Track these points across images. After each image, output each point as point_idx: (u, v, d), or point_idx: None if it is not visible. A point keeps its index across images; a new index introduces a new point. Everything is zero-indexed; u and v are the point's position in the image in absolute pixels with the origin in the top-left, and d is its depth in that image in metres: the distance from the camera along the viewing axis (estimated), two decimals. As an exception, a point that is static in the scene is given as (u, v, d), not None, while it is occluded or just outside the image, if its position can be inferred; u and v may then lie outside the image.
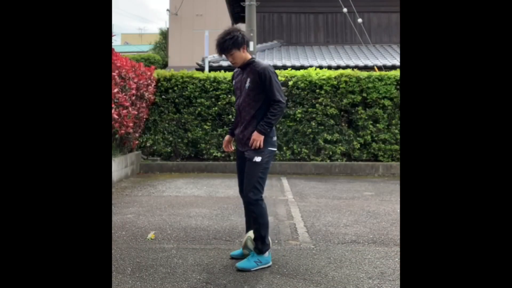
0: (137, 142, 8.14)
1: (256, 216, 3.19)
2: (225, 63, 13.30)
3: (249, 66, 3.24)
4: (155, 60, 22.32)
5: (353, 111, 8.42)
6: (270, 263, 3.22)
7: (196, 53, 20.42)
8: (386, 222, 4.58)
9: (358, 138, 8.41)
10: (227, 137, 3.55)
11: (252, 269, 3.11)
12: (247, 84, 3.19)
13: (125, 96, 6.73)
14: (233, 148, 3.56)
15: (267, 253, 3.20)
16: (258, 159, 3.16)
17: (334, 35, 15.48)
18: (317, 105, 8.38)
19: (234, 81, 3.39)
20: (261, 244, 3.18)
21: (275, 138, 3.27)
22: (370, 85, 8.37)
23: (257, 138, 3.15)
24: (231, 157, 8.48)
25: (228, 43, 3.16)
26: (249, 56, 3.27)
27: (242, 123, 3.26)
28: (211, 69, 12.37)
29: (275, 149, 3.31)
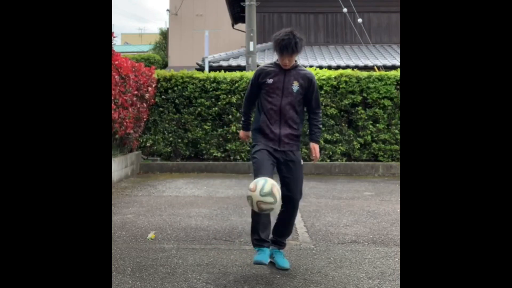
0: (137, 142, 8.14)
1: (294, 215, 3.31)
2: (225, 63, 13.31)
3: (294, 69, 3.23)
4: (155, 60, 22.30)
5: (353, 111, 8.42)
6: None
7: (196, 53, 20.40)
8: (386, 222, 4.58)
9: (358, 138, 8.41)
10: (244, 133, 3.55)
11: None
12: (295, 88, 3.19)
13: (125, 97, 6.73)
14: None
15: None
16: (302, 161, 3.30)
17: (334, 35, 15.48)
18: (317, 105, 8.37)
19: (267, 78, 3.22)
20: (285, 240, 3.35)
21: None
22: (370, 85, 8.37)
23: (317, 149, 3.36)
24: (231, 157, 8.48)
25: (299, 46, 3.11)
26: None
27: (280, 123, 3.20)
28: (211, 69, 12.37)
29: None
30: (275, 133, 3.20)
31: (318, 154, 3.36)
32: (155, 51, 27.52)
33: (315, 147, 3.35)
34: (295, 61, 3.24)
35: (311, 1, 15.17)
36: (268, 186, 2.85)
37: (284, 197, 3.12)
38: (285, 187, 3.18)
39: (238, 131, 8.28)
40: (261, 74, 3.28)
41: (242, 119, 3.56)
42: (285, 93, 3.19)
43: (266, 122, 3.22)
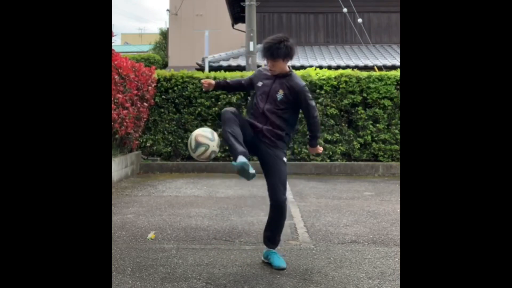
0: (137, 142, 8.14)
1: (283, 212, 3.24)
2: (225, 63, 13.31)
3: (284, 78, 3.23)
4: (155, 60, 22.29)
5: (353, 111, 8.42)
6: None
7: (196, 53, 20.39)
8: (386, 222, 4.58)
9: (358, 138, 8.41)
10: (210, 82, 3.53)
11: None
12: (279, 96, 3.20)
13: (125, 97, 6.73)
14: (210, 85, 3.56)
15: None
16: (285, 159, 3.28)
17: (334, 35, 15.47)
18: (317, 105, 8.37)
19: (259, 81, 3.31)
20: (279, 237, 3.32)
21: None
22: (370, 85, 8.36)
23: (317, 150, 3.47)
24: (231, 157, 8.47)
25: (281, 52, 3.12)
26: (287, 68, 3.26)
27: (265, 122, 3.23)
28: (211, 69, 12.37)
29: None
30: (259, 126, 3.24)
31: (317, 152, 3.50)
32: (155, 51, 27.52)
33: (311, 150, 3.51)
34: (288, 67, 3.26)
35: (311, 1, 15.16)
36: (207, 129, 3.35)
37: (270, 202, 3.21)
38: (268, 187, 3.23)
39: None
40: (257, 75, 3.40)
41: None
42: (269, 99, 3.22)
43: (253, 119, 3.30)
